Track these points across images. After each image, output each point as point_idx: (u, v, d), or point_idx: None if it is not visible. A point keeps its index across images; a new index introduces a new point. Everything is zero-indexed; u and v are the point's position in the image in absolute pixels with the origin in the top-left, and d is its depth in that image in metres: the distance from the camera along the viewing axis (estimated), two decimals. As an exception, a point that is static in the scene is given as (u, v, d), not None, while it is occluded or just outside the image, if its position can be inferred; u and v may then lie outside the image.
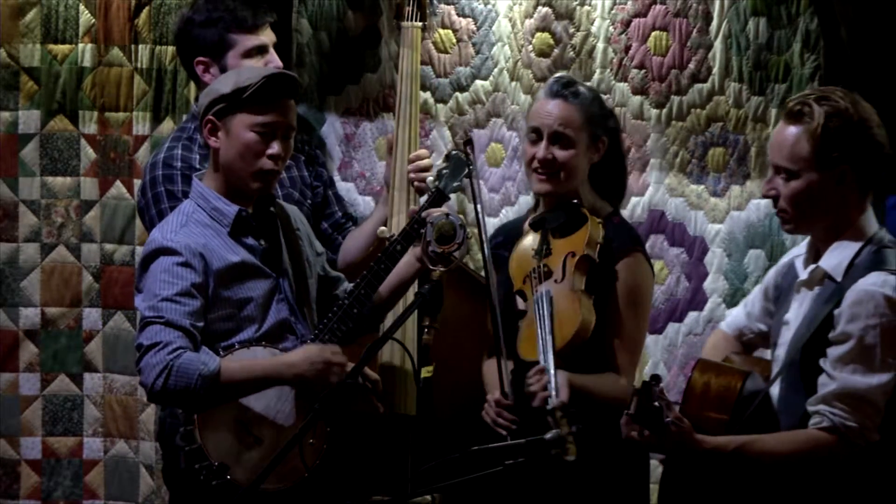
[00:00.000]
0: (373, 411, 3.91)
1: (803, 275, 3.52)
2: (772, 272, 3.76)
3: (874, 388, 3.32)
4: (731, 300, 4.54)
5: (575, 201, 3.86)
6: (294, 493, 3.60)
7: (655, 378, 3.29)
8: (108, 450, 4.91)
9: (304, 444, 3.51)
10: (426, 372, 3.65)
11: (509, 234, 4.02)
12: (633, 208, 4.57)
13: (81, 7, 4.80)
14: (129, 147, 4.83)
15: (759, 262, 4.52)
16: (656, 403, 3.26)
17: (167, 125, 4.76)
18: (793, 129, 3.42)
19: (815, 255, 3.53)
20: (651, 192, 4.57)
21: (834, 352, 3.35)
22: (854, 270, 3.39)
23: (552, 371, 3.55)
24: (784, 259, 3.74)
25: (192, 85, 4.68)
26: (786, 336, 3.52)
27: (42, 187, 4.87)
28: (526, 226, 3.95)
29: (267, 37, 4.17)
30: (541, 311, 3.67)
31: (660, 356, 4.57)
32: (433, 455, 3.43)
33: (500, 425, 3.70)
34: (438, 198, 3.84)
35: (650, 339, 4.55)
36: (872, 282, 3.34)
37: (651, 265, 3.94)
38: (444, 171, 3.85)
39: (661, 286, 4.58)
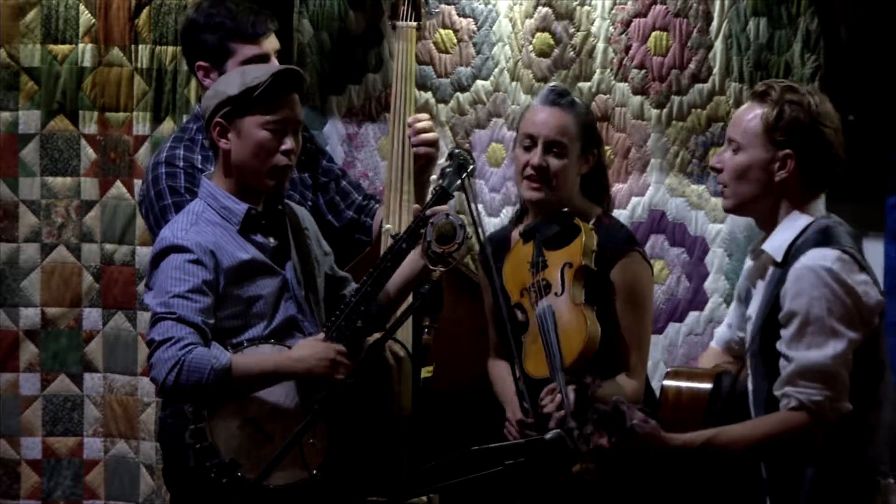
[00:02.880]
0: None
1: (755, 263, 3.55)
2: (741, 278, 3.77)
3: (832, 359, 3.32)
4: (732, 300, 4.53)
5: (566, 210, 3.85)
6: (292, 493, 3.60)
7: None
8: (108, 450, 4.91)
9: (305, 444, 3.50)
10: (426, 372, 3.65)
11: (497, 244, 3.99)
12: (634, 208, 4.57)
13: (81, 7, 4.80)
14: (130, 147, 4.83)
15: (760, 262, 4.51)
16: (622, 408, 3.27)
17: (167, 125, 4.76)
18: (752, 106, 3.49)
19: (760, 243, 3.56)
20: (651, 192, 4.57)
21: (786, 332, 3.36)
22: (796, 250, 3.41)
23: (564, 389, 3.53)
24: (746, 261, 3.75)
25: (193, 85, 4.69)
26: (749, 331, 3.54)
27: (42, 187, 4.87)
28: (516, 235, 3.94)
29: (269, 45, 4.09)
30: (546, 328, 3.65)
31: (660, 356, 4.56)
32: (430, 456, 3.42)
33: None
34: (443, 196, 3.82)
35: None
36: (811, 257, 3.36)
37: (649, 262, 3.94)
38: (448, 170, 3.83)
39: (662, 286, 4.57)
